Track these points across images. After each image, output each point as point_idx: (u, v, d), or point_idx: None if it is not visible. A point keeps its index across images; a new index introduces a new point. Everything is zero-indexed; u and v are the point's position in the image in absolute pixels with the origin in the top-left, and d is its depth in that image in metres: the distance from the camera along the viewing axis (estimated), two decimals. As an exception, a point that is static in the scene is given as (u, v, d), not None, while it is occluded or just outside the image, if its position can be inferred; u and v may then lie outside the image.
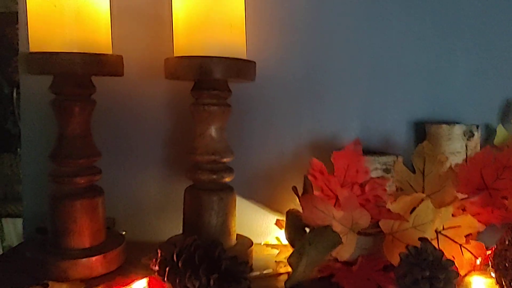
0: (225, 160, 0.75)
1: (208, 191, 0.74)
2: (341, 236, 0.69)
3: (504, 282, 0.63)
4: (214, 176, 0.74)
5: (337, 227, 0.69)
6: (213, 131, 0.74)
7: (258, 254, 0.81)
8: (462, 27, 0.86)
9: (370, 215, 0.72)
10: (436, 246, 0.73)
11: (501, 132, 0.85)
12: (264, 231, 0.87)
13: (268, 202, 0.87)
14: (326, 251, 0.67)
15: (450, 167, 0.74)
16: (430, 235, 0.71)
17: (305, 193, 0.75)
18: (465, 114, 0.87)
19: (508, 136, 0.84)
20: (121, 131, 0.85)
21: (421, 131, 0.86)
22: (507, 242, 0.64)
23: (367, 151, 0.83)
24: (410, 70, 0.87)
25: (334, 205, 0.74)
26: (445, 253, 0.73)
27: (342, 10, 0.85)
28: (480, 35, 0.87)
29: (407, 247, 0.66)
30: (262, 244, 0.85)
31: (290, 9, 0.85)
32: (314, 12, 0.85)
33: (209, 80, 0.73)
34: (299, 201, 0.72)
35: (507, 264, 0.63)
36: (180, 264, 0.62)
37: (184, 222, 0.76)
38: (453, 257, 0.72)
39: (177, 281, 0.62)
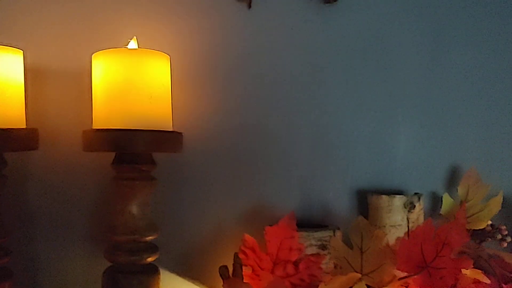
0: (147, 238, 0.69)
1: (127, 274, 0.68)
2: (268, 324, 0.63)
3: None
4: (134, 257, 0.68)
5: (263, 314, 0.63)
6: (134, 207, 0.69)
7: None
8: (402, 93, 0.85)
9: (303, 298, 0.67)
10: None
11: (447, 201, 0.81)
12: (198, 312, 0.80)
13: (203, 280, 0.81)
14: None
15: (387, 244, 0.69)
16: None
17: (235, 273, 0.69)
18: (410, 182, 0.84)
19: (455, 205, 0.80)
20: (41, 206, 0.79)
21: (364, 201, 0.82)
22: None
23: (307, 223, 0.78)
24: (352, 138, 0.84)
25: None
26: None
27: (281, 77, 0.83)
28: (421, 102, 0.85)
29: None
30: (193, 328, 0.78)
31: (224, 76, 0.82)
32: (250, 78, 0.83)
33: (130, 152, 0.69)
34: (223, 285, 0.66)
35: None
36: None
37: (102, 308, 0.69)
38: None
39: None
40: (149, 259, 0.69)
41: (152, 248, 0.70)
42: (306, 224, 0.78)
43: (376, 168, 0.84)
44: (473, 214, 0.77)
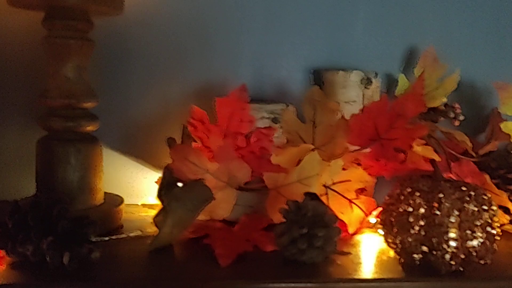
0: (85, 105, 0.63)
1: (63, 142, 0.62)
2: (216, 191, 0.61)
3: (389, 239, 0.58)
4: (70, 124, 0.62)
5: (211, 181, 0.60)
6: (69, 70, 0.62)
7: (134, 216, 0.71)
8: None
9: (251, 168, 0.64)
10: (326, 201, 0.68)
11: (402, 82, 0.79)
12: (143, 190, 0.77)
13: (148, 158, 0.77)
14: (196, 209, 0.58)
15: (342, 117, 0.67)
16: (317, 189, 0.64)
17: (183, 144, 0.66)
18: (366, 63, 0.80)
19: (410, 86, 0.78)
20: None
21: (320, 80, 0.78)
22: (394, 197, 0.59)
23: (259, 100, 0.74)
24: (308, 15, 0.78)
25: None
26: (334, 210, 0.67)
27: None
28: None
29: (287, 202, 0.58)
30: (139, 204, 0.75)
31: None
32: None
33: (63, 7, 0.60)
34: (170, 152, 0.62)
35: (392, 220, 0.57)
36: (11, 226, 0.51)
37: (37, 179, 0.64)
38: (342, 213, 0.66)
39: (9, 245, 0.52)
40: (88, 128, 0.64)
41: (90, 116, 0.65)
42: (254, 101, 0.74)
43: (332, 47, 0.80)
44: (428, 93, 0.76)
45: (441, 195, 0.53)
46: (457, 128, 0.78)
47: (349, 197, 0.66)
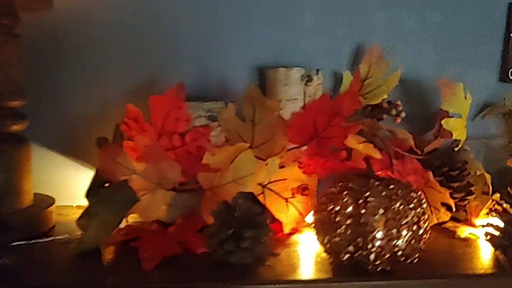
0: (10, 104, 0.61)
1: (-14, 142, 0.60)
2: (145, 192, 0.59)
3: (320, 238, 0.56)
4: (-6, 123, 0.60)
5: (139, 183, 0.58)
6: (-8, 67, 0.59)
7: (68, 218, 0.69)
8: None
9: (187, 168, 0.62)
10: (263, 201, 0.66)
11: (347, 79, 0.78)
12: (78, 192, 0.74)
13: (84, 158, 0.74)
14: (121, 211, 0.56)
15: (280, 115, 0.65)
16: (252, 189, 0.63)
17: (114, 143, 0.64)
18: (313, 60, 0.79)
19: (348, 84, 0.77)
20: None
21: (264, 78, 0.77)
22: (327, 196, 0.57)
23: (197, 98, 0.72)
24: (254, 12, 0.77)
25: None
26: (272, 209, 0.66)
27: None
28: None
29: (218, 203, 0.57)
30: (74, 206, 0.73)
31: None
32: None
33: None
34: (98, 153, 0.60)
35: (322, 219, 0.56)
36: None
37: (-40, 181, 0.61)
38: (279, 213, 0.65)
39: None
40: (14, 127, 0.62)
41: (17, 115, 0.62)
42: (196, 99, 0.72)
43: (279, 45, 0.78)
44: (371, 90, 0.75)
45: (367, 194, 0.52)
46: (404, 126, 0.77)
47: (285, 196, 0.65)
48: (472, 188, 0.76)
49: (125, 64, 0.74)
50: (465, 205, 0.76)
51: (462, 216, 0.76)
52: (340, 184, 0.57)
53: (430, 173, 0.74)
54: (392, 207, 0.52)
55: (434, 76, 0.82)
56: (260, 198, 0.66)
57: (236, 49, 0.77)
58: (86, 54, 0.73)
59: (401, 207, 0.52)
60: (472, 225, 0.74)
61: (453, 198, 0.76)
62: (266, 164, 0.64)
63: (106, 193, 0.56)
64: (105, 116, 0.73)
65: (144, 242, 0.57)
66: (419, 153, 0.77)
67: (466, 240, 0.69)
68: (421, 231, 0.52)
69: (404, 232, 0.51)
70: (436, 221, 0.73)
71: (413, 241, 0.52)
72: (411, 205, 0.53)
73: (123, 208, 0.56)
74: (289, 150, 0.65)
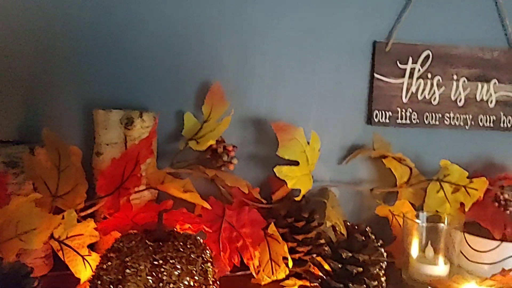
0: None
1: None
2: None
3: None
4: None
5: None
6: None
7: None
8: None
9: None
10: (62, 257, 0.60)
11: (189, 120, 0.72)
12: None
13: None
14: None
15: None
16: (37, 245, 0.56)
17: None
18: (155, 101, 0.74)
19: (197, 125, 0.72)
20: None
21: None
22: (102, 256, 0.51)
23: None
24: (86, 50, 0.72)
25: None
26: (70, 266, 0.60)
27: None
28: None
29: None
30: None
31: None
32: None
33: None
34: None
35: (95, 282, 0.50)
36: None
37: None
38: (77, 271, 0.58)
39: None
40: None
41: None
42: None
43: (116, 85, 0.73)
44: (205, 134, 0.69)
45: (129, 253, 0.46)
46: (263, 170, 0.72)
47: (82, 253, 0.59)
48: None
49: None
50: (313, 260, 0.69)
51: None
52: (114, 243, 0.51)
53: (272, 225, 0.68)
54: (156, 267, 0.46)
55: (296, 118, 0.77)
56: (60, 254, 0.59)
57: (67, 88, 0.72)
58: None
59: (169, 267, 0.46)
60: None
61: (298, 252, 0.69)
62: (63, 217, 0.58)
63: None
64: None
65: None
66: (264, 202, 0.72)
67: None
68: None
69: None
70: (270, 279, 0.67)
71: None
72: (178, 265, 0.46)
73: None
74: (99, 199, 0.59)
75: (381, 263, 0.57)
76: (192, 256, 0.49)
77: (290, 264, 0.66)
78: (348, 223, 0.62)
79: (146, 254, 0.48)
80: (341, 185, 0.81)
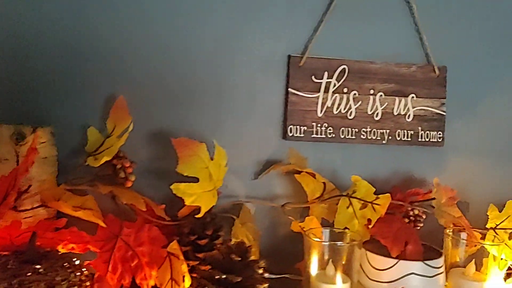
0: None
1: None
2: None
3: None
4: None
5: None
6: None
7: None
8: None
9: None
10: None
11: (93, 135, 0.71)
12: None
13: None
14: None
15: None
16: None
17: None
18: (59, 115, 0.72)
19: (101, 139, 0.70)
20: None
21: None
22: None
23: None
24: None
25: None
26: None
27: None
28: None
29: None
30: None
31: None
32: None
33: None
34: None
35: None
36: None
37: None
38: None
39: None
40: None
41: None
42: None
43: (16, 97, 0.70)
44: (104, 150, 0.68)
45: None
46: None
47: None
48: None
49: None
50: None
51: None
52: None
53: (174, 242, 0.67)
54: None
55: (210, 133, 0.76)
56: None
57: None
58: None
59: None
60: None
61: (200, 271, 0.68)
62: None
63: None
64: None
65: None
66: (167, 219, 0.70)
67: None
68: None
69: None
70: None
71: None
72: None
73: None
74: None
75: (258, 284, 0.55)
76: (56, 279, 0.47)
77: (187, 284, 0.65)
78: (228, 243, 0.61)
79: (4, 277, 0.45)
80: (256, 201, 0.80)
